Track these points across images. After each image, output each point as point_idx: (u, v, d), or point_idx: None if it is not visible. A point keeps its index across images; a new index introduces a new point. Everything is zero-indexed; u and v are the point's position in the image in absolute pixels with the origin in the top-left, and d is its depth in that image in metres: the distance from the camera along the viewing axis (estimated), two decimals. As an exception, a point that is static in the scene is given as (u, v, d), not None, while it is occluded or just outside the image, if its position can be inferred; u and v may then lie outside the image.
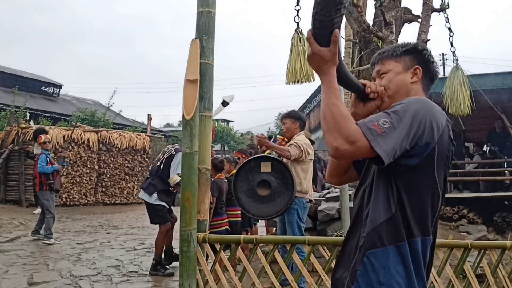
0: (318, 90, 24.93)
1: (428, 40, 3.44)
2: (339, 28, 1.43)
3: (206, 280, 3.21)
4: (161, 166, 5.71)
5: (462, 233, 8.12)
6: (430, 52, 1.73)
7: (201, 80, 3.32)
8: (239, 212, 5.69)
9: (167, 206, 5.72)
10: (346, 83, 1.62)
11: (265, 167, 4.52)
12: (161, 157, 5.90)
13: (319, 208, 5.14)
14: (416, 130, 1.42)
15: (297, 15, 5.72)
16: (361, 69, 5.73)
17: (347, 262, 1.58)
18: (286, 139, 8.04)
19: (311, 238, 3.21)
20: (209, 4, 3.36)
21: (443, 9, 3.61)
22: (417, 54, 1.70)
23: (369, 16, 8.38)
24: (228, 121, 42.31)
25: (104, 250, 6.98)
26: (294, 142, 4.70)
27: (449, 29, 4.99)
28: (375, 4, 8.71)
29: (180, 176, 5.25)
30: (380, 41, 4.12)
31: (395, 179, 1.49)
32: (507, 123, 9.80)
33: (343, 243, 1.68)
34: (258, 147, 5.08)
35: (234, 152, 6.66)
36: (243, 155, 6.23)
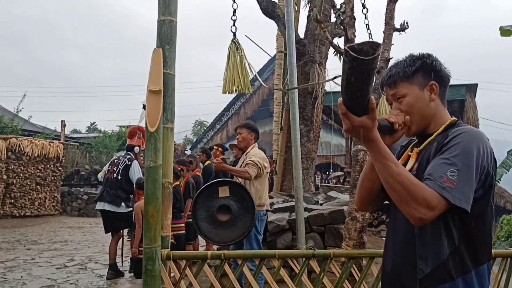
0: (236, 98, 25.12)
1: (391, 58, 3.61)
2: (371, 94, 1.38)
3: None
4: (119, 177, 6.14)
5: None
6: (436, 58, 1.67)
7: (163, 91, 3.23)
8: (183, 224, 5.59)
9: None
10: (380, 130, 1.56)
11: (223, 192, 4.38)
12: (115, 168, 6.21)
13: (269, 219, 5.15)
14: (481, 168, 1.46)
15: (234, 25, 5.76)
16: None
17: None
18: (220, 149, 8.00)
19: (281, 252, 3.20)
20: (171, 12, 3.27)
21: (403, 29, 3.83)
22: (427, 68, 1.64)
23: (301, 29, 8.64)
24: (143, 128, 41.08)
25: (31, 268, 6.44)
26: (250, 161, 4.56)
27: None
28: (311, 17, 8.97)
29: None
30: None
31: (454, 213, 1.46)
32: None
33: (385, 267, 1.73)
34: (214, 163, 4.94)
35: (174, 163, 6.52)
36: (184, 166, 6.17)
